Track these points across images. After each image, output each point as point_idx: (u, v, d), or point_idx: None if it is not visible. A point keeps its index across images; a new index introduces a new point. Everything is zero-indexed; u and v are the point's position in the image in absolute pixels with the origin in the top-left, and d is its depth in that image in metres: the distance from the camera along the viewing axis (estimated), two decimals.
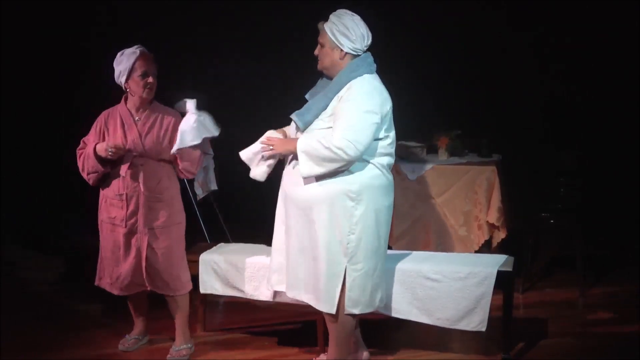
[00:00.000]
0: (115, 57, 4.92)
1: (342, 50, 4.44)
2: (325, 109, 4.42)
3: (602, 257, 6.99)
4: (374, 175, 4.44)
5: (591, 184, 6.61)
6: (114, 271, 4.96)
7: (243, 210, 7.70)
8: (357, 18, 4.46)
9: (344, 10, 4.49)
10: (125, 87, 4.89)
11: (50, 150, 7.85)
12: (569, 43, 8.05)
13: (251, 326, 5.55)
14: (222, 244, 5.52)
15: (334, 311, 4.47)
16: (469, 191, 6.27)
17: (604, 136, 7.96)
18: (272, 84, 8.44)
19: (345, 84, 4.41)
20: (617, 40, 7.92)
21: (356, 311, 4.50)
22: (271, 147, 4.58)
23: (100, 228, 5.01)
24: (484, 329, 4.74)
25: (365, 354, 4.88)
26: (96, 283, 5.10)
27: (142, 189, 4.84)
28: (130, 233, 4.88)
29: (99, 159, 4.83)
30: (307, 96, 4.60)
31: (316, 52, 4.54)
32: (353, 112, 4.33)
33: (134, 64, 4.81)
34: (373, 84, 4.43)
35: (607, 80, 7.97)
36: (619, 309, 5.84)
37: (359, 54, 4.47)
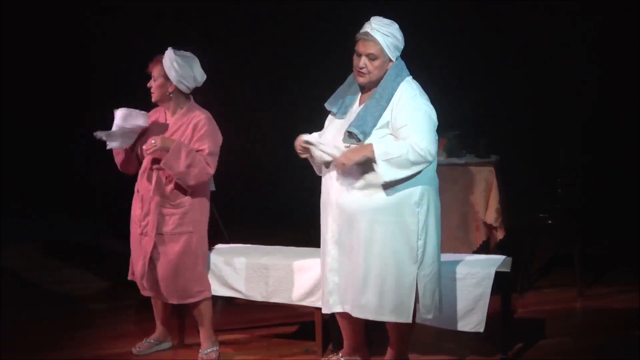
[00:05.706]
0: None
1: (391, 61, 4.36)
2: (381, 117, 4.30)
3: (600, 256, 7.00)
4: (431, 176, 4.37)
5: (589, 183, 6.62)
6: (136, 269, 4.94)
7: (240, 211, 7.70)
8: (397, 25, 4.38)
9: (387, 20, 4.37)
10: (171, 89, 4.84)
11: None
12: (566, 43, 8.08)
13: (249, 327, 5.55)
14: (220, 244, 5.52)
15: (410, 320, 4.39)
16: (466, 192, 6.27)
17: (602, 135, 7.98)
18: (269, 84, 8.45)
19: (395, 90, 4.32)
20: (614, 38, 7.94)
21: (430, 317, 4.45)
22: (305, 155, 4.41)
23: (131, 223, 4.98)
24: (482, 330, 4.74)
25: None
26: (129, 277, 5.04)
27: (153, 193, 4.80)
28: (142, 235, 4.85)
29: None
30: (327, 105, 4.49)
31: (364, 64, 4.33)
32: (421, 115, 4.26)
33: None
34: (418, 86, 4.40)
35: (605, 80, 7.99)
36: (617, 308, 5.85)
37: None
